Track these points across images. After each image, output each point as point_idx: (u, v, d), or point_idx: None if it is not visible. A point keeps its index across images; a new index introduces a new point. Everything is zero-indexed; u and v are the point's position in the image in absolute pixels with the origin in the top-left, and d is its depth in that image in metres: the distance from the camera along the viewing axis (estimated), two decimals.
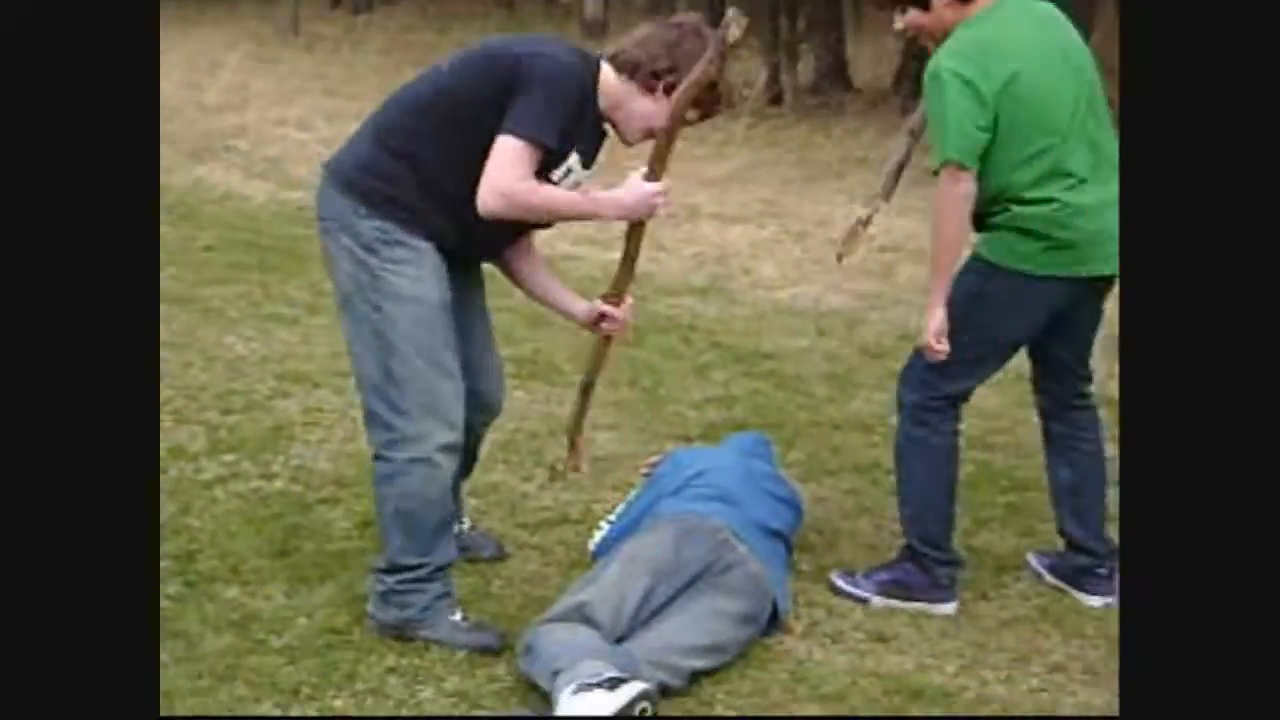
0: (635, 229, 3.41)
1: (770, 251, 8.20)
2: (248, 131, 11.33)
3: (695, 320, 6.85)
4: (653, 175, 3.30)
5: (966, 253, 3.72)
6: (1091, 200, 3.55)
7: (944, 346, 3.60)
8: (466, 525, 4.01)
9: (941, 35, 3.58)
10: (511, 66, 3.23)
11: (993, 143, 3.48)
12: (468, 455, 3.76)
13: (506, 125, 3.17)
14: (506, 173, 3.18)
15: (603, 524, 3.95)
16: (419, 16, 19.51)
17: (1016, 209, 3.55)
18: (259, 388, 5.36)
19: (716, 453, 4.21)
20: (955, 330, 3.65)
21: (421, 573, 3.43)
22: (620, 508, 3.98)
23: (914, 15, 3.63)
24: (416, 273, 3.29)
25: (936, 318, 3.59)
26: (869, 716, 3.22)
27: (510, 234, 3.48)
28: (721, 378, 5.92)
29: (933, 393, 3.75)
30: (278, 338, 6.05)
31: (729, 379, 5.90)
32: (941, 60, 3.50)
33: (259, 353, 5.82)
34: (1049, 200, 3.52)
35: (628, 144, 3.46)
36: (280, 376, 5.49)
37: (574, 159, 3.33)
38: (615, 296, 3.56)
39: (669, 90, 3.28)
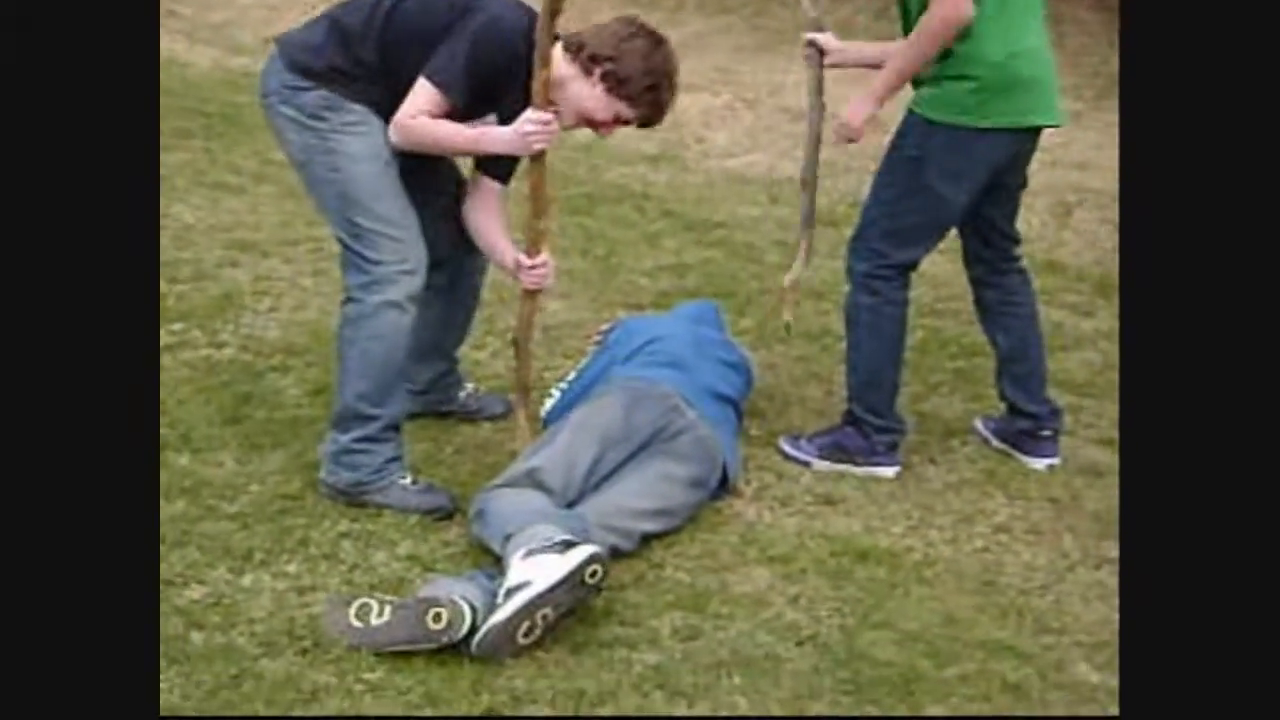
0: (533, 166, 3.37)
1: (723, 120, 8.14)
2: None
3: (647, 189, 6.82)
4: (535, 107, 3.29)
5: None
6: (1022, 47, 3.55)
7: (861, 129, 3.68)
8: (471, 387, 4.13)
9: None
10: (460, 14, 3.32)
11: None
12: (465, 316, 3.96)
13: (426, 67, 3.32)
14: (407, 108, 3.34)
15: (554, 391, 3.96)
16: None
17: (957, 46, 3.51)
18: (206, 256, 5.31)
19: (667, 320, 4.22)
20: (901, 196, 3.67)
21: (373, 428, 3.46)
22: (571, 375, 3.99)
23: None
24: (366, 130, 3.41)
25: (868, 109, 3.65)
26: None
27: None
28: (673, 246, 5.91)
29: (882, 261, 3.75)
30: (225, 206, 5.98)
31: (681, 247, 5.90)
32: None
33: (206, 221, 5.75)
34: (987, 35, 3.50)
35: (563, 128, 3.43)
36: (229, 245, 5.44)
37: (491, 119, 3.43)
38: (532, 248, 3.51)
39: (606, 79, 3.37)
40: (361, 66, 3.39)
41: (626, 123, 3.48)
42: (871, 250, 3.76)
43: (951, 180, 3.62)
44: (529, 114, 3.28)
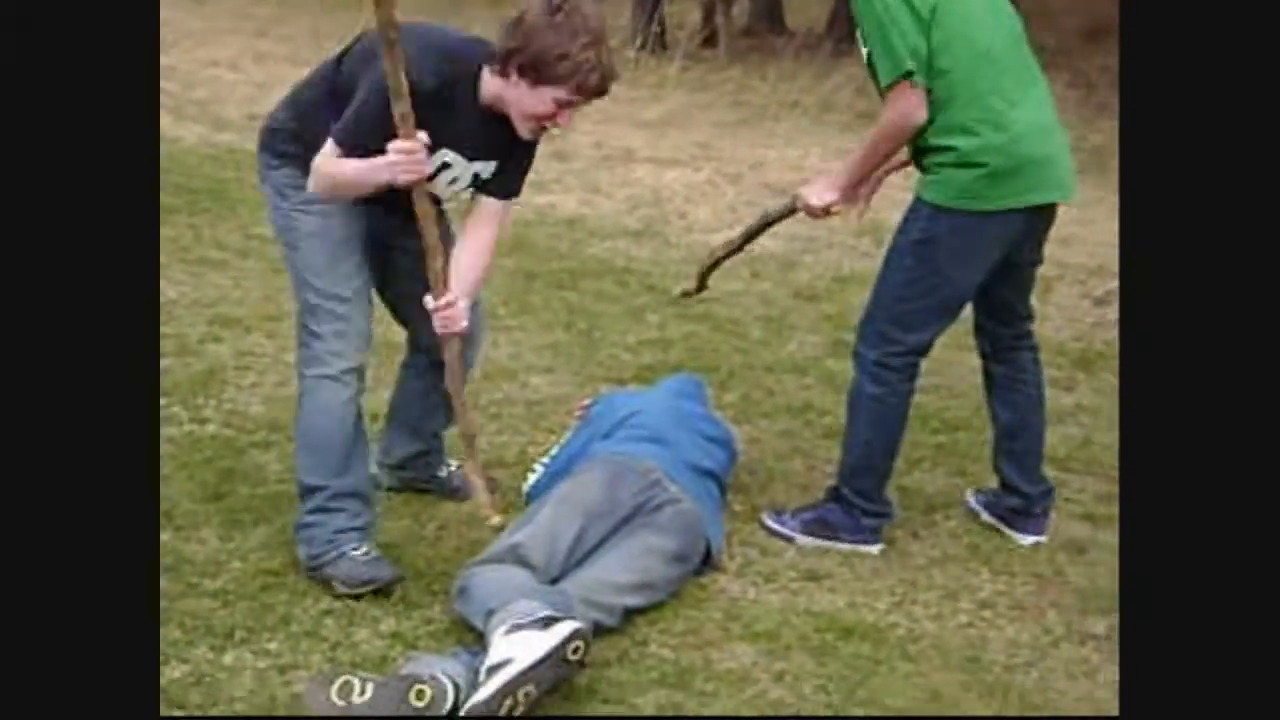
0: (417, 201, 3.19)
1: (704, 195, 8.20)
2: (176, 73, 11.13)
3: (630, 263, 6.86)
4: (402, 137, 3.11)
5: (907, 198, 3.72)
6: (1024, 125, 3.51)
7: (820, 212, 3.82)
8: (454, 465, 4.09)
9: None
10: (367, 67, 3.21)
11: (930, 69, 3.44)
12: (444, 401, 3.77)
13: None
14: (317, 160, 3.28)
15: (537, 466, 3.96)
16: None
17: (955, 140, 3.48)
18: (190, 332, 5.30)
19: (649, 395, 4.23)
20: (910, 280, 3.62)
21: (321, 498, 3.47)
22: (554, 450, 3.99)
23: None
24: (323, 208, 3.44)
25: (829, 196, 3.76)
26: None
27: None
28: (656, 320, 5.93)
29: (893, 347, 3.69)
30: (209, 281, 5.98)
31: (664, 322, 5.92)
32: None
33: (189, 296, 5.75)
34: (983, 123, 3.47)
35: (533, 137, 3.34)
36: (211, 321, 5.44)
37: (447, 154, 3.31)
38: (435, 289, 3.30)
39: (523, 73, 3.17)
40: (319, 140, 3.28)
41: (572, 104, 3.22)
42: (880, 335, 3.70)
43: (961, 263, 3.59)
44: (394, 143, 3.09)
